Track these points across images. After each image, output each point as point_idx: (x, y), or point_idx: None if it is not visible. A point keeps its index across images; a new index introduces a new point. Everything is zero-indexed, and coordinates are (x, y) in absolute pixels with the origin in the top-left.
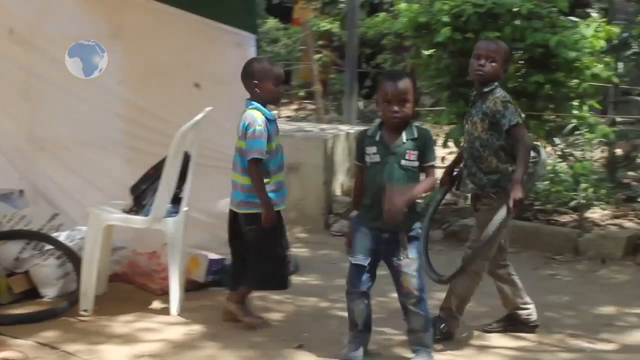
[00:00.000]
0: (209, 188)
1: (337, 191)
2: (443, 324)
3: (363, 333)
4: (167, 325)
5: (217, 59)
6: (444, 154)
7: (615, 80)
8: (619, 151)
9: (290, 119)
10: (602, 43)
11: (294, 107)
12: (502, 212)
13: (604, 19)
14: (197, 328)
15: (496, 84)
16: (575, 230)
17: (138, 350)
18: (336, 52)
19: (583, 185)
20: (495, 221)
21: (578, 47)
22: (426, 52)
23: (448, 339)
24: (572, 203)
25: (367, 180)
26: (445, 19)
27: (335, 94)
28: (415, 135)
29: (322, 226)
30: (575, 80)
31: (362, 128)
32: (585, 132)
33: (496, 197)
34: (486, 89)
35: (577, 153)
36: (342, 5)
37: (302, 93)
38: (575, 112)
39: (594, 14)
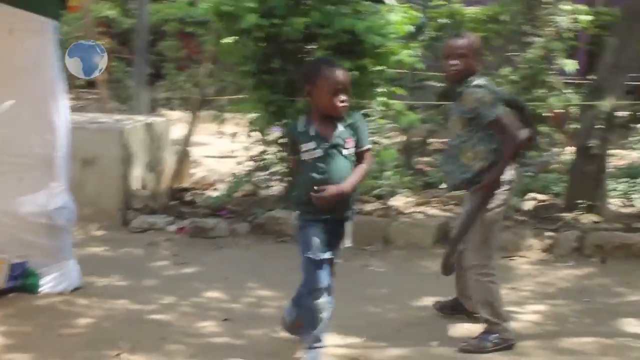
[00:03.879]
0: (8, 188)
1: (136, 185)
2: (494, 335)
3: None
4: None
5: (16, 48)
6: (248, 143)
7: (420, 66)
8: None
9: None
10: (408, 28)
11: (72, 96)
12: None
13: (405, 5)
14: (2, 340)
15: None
16: (384, 219)
17: None
18: (116, 40)
19: (387, 173)
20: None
21: (384, 33)
22: (229, 39)
23: (508, 348)
24: (376, 191)
25: (307, 176)
26: (251, 4)
27: (116, 82)
28: (348, 121)
29: (119, 222)
30: (380, 67)
31: (157, 118)
32: (379, 119)
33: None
34: (459, 88)
35: (378, 139)
36: None
37: (81, 82)
38: (381, 98)
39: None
